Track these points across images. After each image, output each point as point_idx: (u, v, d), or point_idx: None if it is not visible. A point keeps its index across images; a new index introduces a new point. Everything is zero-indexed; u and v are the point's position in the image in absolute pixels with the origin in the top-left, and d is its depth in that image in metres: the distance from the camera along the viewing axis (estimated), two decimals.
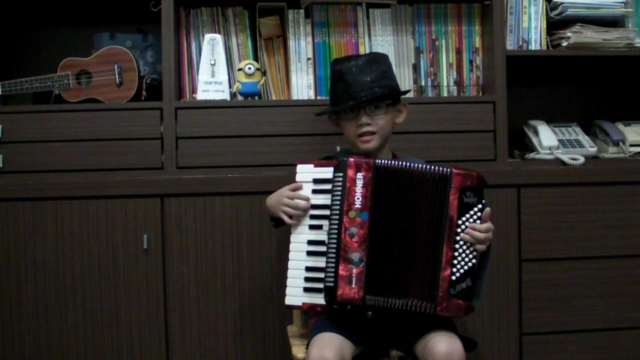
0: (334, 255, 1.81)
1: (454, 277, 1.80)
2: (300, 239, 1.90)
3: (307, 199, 1.89)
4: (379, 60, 2.00)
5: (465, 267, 1.81)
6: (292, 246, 1.90)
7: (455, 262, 1.81)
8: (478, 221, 1.83)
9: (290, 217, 1.90)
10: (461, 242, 1.82)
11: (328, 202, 1.86)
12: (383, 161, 1.84)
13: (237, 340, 2.30)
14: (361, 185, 1.82)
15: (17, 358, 2.25)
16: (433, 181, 1.82)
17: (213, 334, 2.29)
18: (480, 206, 1.83)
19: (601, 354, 2.37)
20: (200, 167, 2.30)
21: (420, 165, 1.83)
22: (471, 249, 1.82)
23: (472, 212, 1.83)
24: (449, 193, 1.81)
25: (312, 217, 1.89)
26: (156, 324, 2.27)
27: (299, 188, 1.91)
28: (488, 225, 1.84)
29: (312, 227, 1.89)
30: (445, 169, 1.82)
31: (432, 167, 1.83)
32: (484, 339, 2.33)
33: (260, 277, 2.30)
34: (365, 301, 1.79)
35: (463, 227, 1.82)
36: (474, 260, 1.83)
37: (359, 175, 1.82)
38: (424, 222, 1.82)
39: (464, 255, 1.82)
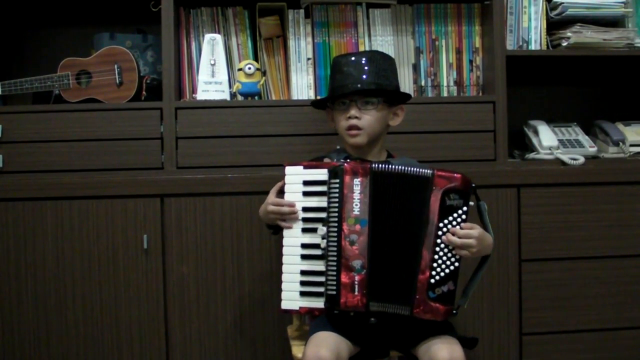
0: (334, 263, 1.78)
1: (432, 281, 1.76)
2: (293, 242, 1.87)
3: (291, 205, 1.86)
4: (379, 59, 1.98)
5: (447, 271, 1.77)
6: (285, 250, 1.88)
7: (434, 265, 1.77)
8: (463, 224, 1.78)
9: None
10: (442, 246, 1.78)
11: (320, 204, 1.84)
12: (379, 165, 1.81)
13: (237, 340, 2.30)
14: (359, 192, 1.79)
15: (17, 358, 2.25)
16: (417, 183, 1.79)
17: (213, 334, 2.29)
18: (465, 208, 1.79)
19: (601, 354, 2.37)
20: (200, 167, 2.30)
21: (410, 168, 1.80)
22: (453, 252, 1.78)
23: (455, 215, 1.78)
24: (430, 195, 1.78)
25: (305, 220, 1.87)
26: (156, 324, 2.27)
27: (282, 186, 1.90)
28: (467, 231, 1.77)
29: (305, 230, 1.87)
30: (427, 171, 1.79)
31: (416, 169, 1.80)
32: (484, 339, 2.33)
33: (260, 277, 2.30)
34: (368, 308, 1.78)
35: (445, 229, 1.78)
36: (456, 264, 1.78)
37: (356, 181, 1.80)
38: (409, 225, 1.79)
39: (445, 258, 1.78)
